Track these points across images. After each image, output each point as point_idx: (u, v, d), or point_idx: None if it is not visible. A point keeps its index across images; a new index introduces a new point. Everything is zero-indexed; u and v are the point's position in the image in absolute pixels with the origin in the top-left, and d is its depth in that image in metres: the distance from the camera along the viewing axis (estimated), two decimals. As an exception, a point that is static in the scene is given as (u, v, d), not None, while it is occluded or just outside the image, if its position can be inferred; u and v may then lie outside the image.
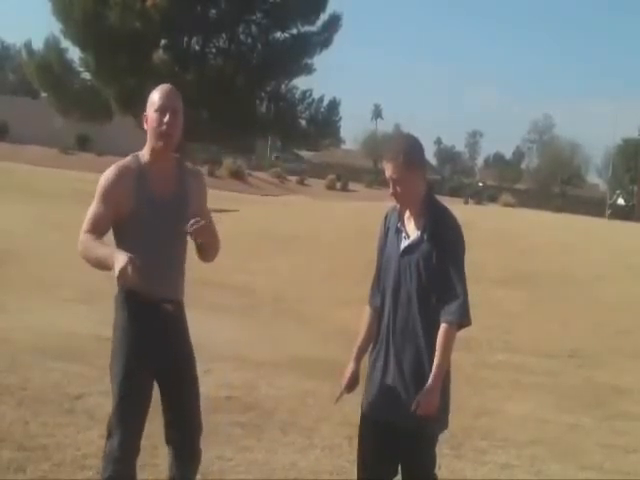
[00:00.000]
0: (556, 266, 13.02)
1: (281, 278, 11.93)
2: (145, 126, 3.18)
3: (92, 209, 3.14)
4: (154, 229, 3.13)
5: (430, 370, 2.97)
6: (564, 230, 17.24)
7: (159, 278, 3.15)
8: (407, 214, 3.08)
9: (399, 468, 3.14)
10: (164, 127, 3.10)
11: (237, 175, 50.70)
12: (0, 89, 70.93)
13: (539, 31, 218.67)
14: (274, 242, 14.72)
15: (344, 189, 55.23)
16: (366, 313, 3.25)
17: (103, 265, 2.97)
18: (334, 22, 30.30)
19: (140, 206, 3.10)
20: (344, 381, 3.21)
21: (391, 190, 3.02)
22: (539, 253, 13.85)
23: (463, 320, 3.02)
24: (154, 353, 3.17)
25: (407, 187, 2.99)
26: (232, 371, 6.51)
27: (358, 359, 3.23)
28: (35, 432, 4.49)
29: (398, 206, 3.12)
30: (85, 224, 3.11)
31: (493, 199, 58.26)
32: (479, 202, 55.09)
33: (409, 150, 3.01)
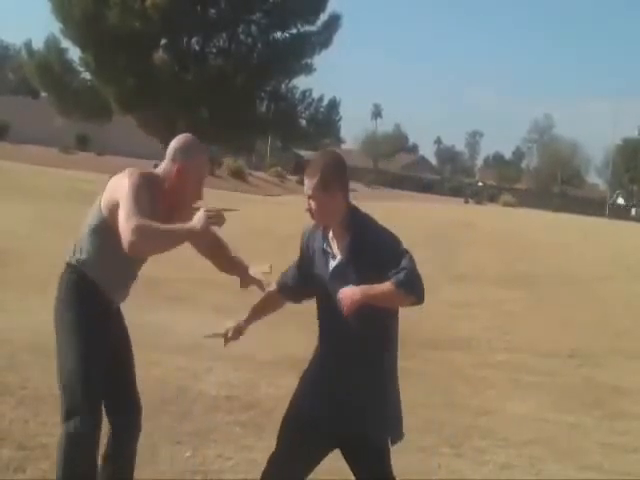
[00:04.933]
0: (556, 266, 13.03)
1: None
2: (176, 173, 3.21)
3: (135, 205, 2.97)
4: None
5: (379, 380, 2.98)
6: (564, 230, 17.26)
7: (125, 288, 3.45)
8: (330, 234, 3.04)
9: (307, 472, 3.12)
10: (198, 198, 3.31)
11: (237, 175, 50.61)
12: (0, 89, 70.94)
13: (539, 31, 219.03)
14: (274, 242, 14.71)
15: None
16: (270, 288, 3.34)
17: (177, 233, 3.00)
18: (334, 22, 30.36)
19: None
20: (225, 331, 3.36)
21: (306, 206, 3.00)
22: (539, 253, 13.86)
23: (409, 287, 2.82)
24: (107, 333, 3.31)
25: (322, 205, 2.96)
26: (232, 370, 6.51)
27: (245, 322, 3.38)
28: (35, 431, 4.48)
29: (321, 226, 3.08)
30: (135, 214, 2.93)
31: (493, 199, 58.28)
32: (479, 202, 55.11)
33: (327, 170, 2.95)
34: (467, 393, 6.82)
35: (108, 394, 3.39)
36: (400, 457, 4.95)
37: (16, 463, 4.02)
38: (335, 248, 3.00)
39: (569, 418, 6.28)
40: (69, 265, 3.31)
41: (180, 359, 6.79)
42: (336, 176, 2.97)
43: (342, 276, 2.93)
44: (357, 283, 2.87)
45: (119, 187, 3.09)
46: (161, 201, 3.20)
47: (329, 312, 2.99)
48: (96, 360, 3.22)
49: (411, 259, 2.87)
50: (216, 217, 2.97)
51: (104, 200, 3.18)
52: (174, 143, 3.27)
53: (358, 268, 2.90)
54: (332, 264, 2.99)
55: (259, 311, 3.38)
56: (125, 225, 2.91)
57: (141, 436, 4.79)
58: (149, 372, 6.31)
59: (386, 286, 2.80)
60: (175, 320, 8.43)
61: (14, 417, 4.69)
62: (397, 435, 3.10)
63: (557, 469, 5.07)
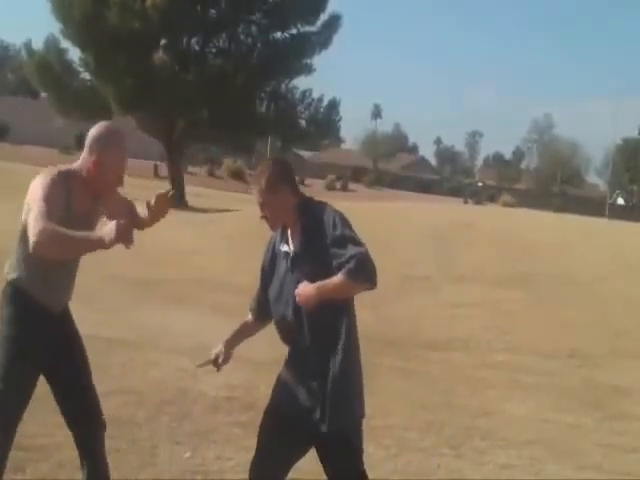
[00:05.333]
0: (556, 266, 13.01)
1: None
2: (94, 164, 3.16)
3: (45, 205, 2.99)
4: None
5: (345, 372, 2.97)
6: (564, 230, 17.23)
7: (62, 291, 3.33)
8: (289, 232, 3.07)
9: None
10: (117, 185, 3.25)
11: (237, 175, 50.70)
12: (0, 89, 70.92)
13: (539, 31, 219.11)
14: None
15: (344, 189, 55.25)
16: (248, 317, 3.37)
17: (83, 242, 2.93)
18: (334, 22, 30.30)
19: (65, 218, 3.04)
20: (215, 357, 3.35)
21: (261, 214, 3.05)
22: (539, 253, 13.84)
23: (361, 275, 2.82)
24: (43, 350, 3.27)
25: (273, 209, 3.02)
26: (232, 371, 6.48)
27: (229, 346, 3.37)
28: (34, 432, 4.48)
29: (281, 229, 3.10)
30: (43, 217, 2.94)
31: (493, 199, 58.29)
32: (479, 202, 55.11)
33: (270, 173, 3.01)
34: (467, 394, 6.83)
35: (62, 402, 3.43)
36: (400, 457, 4.97)
37: (15, 463, 4.01)
38: (291, 244, 3.04)
39: (569, 418, 6.28)
40: (6, 281, 3.28)
41: (180, 360, 6.79)
42: (280, 176, 3.02)
43: (298, 267, 2.97)
44: (311, 271, 2.91)
45: (33, 192, 3.09)
46: (82, 193, 3.18)
47: (294, 313, 3.00)
48: (18, 381, 3.23)
49: (359, 243, 2.87)
50: (126, 236, 2.85)
51: (24, 207, 3.14)
52: (92, 131, 3.22)
53: (311, 255, 2.93)
54: (289, 259, 3.03)
55: (240, 335, 3.41)
56: (33, 226, 2.92)
57: (141, 437, 4.81)
58: (149, 373, 6.33)
59: (339, 279, 2.82)
60: (174, 321, 8.43)
61: (14, 418, 4.68)
62: (362, 416, 3.09)
63: (557, 469, 5.07)
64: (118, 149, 3.22)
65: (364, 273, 2.82)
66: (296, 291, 2.90)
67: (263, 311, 3.25)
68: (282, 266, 3.06)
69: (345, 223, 2.94)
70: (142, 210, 3.29)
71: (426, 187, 66.84)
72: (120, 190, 3.40)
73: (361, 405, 3.07)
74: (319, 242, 2.91)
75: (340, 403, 2.97)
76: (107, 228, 2.83)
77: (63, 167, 3.23)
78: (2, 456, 3.25)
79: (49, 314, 3.27)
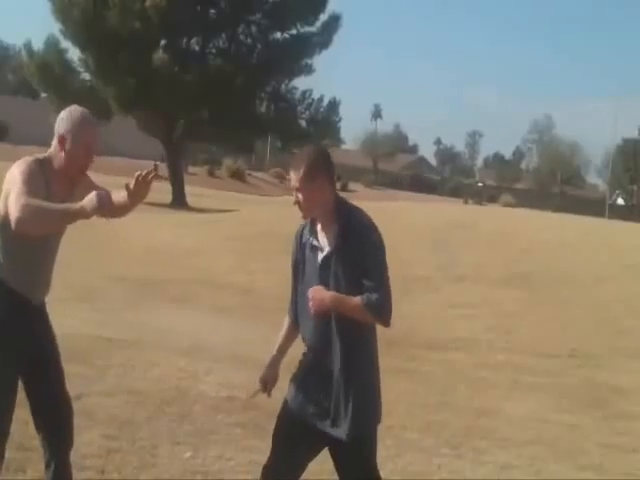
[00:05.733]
0: (556, 266, 13.02)
1: (281, 278, 11.89)
2: (61, 144, 3.17)
3: (25, 186, 2.96)
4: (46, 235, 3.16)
5: (365, 378, 2.97)
6: (564, 230, 17.23)
7: (40, 283, 3.32)
8: (319, 227, 3.05)
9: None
10: (87, 167, 3.25)
11: (237, 175, 50.65)
12: (0, 89, 70.92)
13: (539, 31, 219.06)
14: (274, 242, 14.70)
15: (344, 189, 55.24)
16: (285, 323, 3.29)
17: (65, 213, 2.91)
18: (334, 22, 30.30)
19: None
20: (262, 384, 3.26)
21: (294, 199, 3.02)
22: (539, 253, 13.85)
23: (378, 312, 2.90)
24: (23, 345, 3.25)
25: (309, 196, 2.98)
26: (232, 371, 6.52)
27: (274, 365, 3.26)
28: (35, 432, 4.45)
29: (309, 221, 3.09)
30: (24, 193, 2.92)
31: (493, 199, 58.29)
32: (479, 202, 55.11)
33: (312, 161, 2.99)
34: (467, 394, 6.83)
35: (32, 402, 3.44)
36: (400, 457, 4.97)
37: (16, 464, 4.02)
38: (323, 241, 3.02)
39: (569, 418, 6.28)
40: None
41: (180, 360, 6.79)
42: (322, 167, 3.00)
43: (329, 267, 2.95)
44: (343, 274, 2.90)
45: (11, 179, 3.05)
46: (58, 179, 3.17)
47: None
48: (5, 372, 3.24)
49: (386, 272, 2.91)
50: (107, 205, 2.82)
51: (2, 194, 3.10)
52: (61, 114, 3.22)
53: (344, 258, 2.92)
54: (320, 256, 3.00)
55: (283, 350, 3.31)
56: (14, 204, 2.88)
57: (141, 437, 4.81)
58: (149, 373, 6.33)
59: (356, 303, 2.85)
60: (174, 321, 8.43)
61: (14, 418, 4.66)
62: (378, 422, 3.08)
63: (557, 469, 5.07)
64: (86, 129, 3.21)
65: (380, 312, 2.90)
66: (310, 294, 2.90)
67: None
68: (311, 260, 3.04)
69: (383, 245, 2.97)
70: (122, 194, 3.25)
71: (426, 187, 66.84)
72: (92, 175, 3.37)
73: (379, 412, 3.07)
74: (354, 249, 2.91)
75: (359, 411, 2.96)
76: (88, 198, 2.82)
77: (39, 155, 3.22)
78: None
79: (28, 307, 3.24)
